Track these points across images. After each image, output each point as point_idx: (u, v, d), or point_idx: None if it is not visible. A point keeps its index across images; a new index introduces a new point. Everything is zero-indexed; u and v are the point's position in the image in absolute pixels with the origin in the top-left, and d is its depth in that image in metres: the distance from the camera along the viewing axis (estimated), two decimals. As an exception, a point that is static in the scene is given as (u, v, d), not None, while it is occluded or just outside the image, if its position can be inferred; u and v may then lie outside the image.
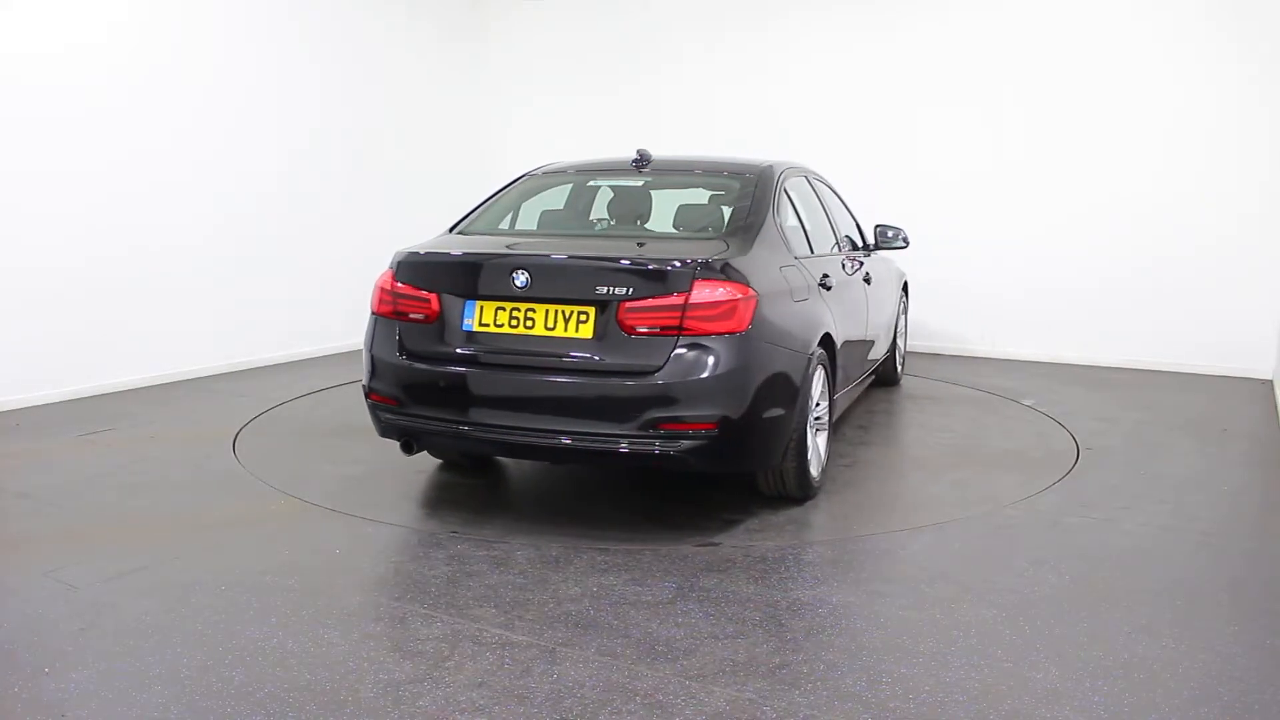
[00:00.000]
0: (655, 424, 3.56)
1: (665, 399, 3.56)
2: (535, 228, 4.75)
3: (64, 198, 6.09)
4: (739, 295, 3.66)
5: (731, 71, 8.60)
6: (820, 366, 4.24)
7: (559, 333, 3.72)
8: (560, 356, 3.71)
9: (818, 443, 4.30)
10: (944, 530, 3.95)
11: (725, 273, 3.69)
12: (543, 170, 5.10)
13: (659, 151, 5.16)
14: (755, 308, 3.70)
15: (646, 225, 4.75)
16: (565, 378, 3.68)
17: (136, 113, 6.47)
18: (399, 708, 2.53)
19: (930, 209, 7.76)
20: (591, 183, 4.93)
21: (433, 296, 3.93)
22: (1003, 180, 7.71)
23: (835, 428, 5.43)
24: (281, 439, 5.32)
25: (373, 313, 4.15)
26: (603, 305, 3.67)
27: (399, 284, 4.04)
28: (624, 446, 3.61)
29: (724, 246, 3.93)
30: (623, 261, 3.74)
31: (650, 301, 3.61)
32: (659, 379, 3.56)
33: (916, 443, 5.37)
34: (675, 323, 3.58)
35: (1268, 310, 6.90)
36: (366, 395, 4.13)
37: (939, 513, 4.16)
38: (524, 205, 4.83)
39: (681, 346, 3.59)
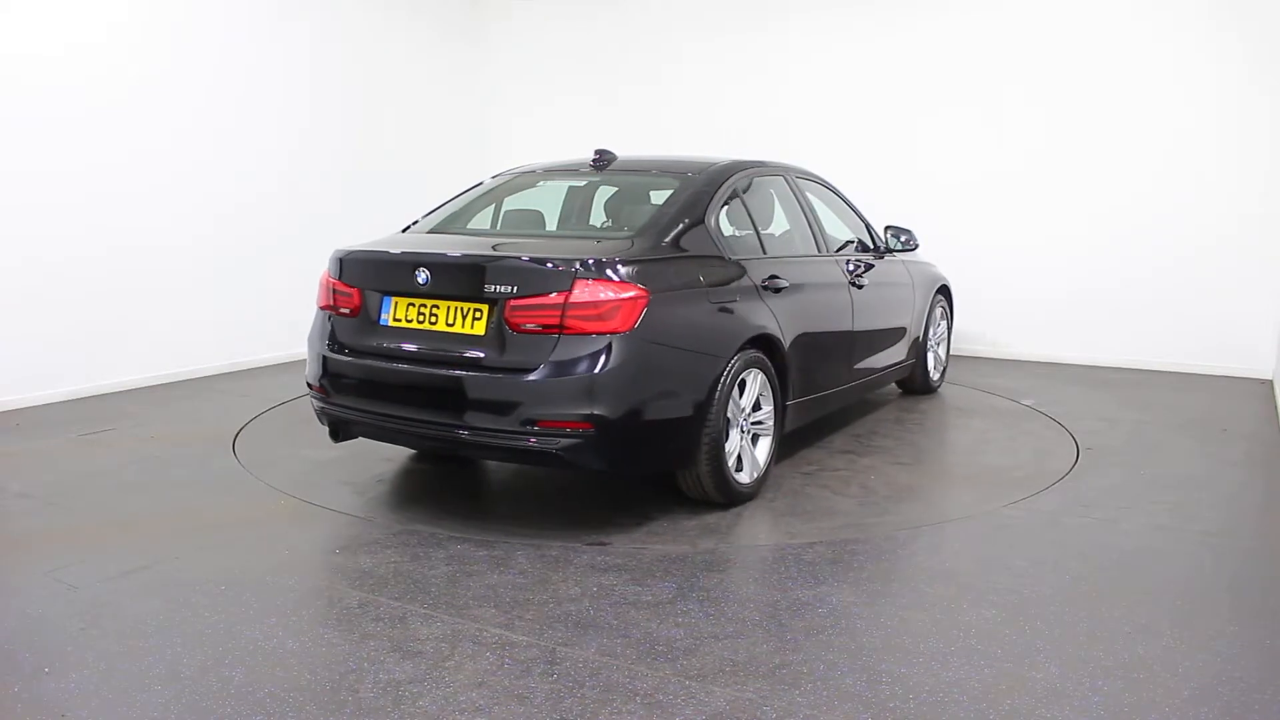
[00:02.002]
0: (534, 421, 3.62)
1: (542, 397, 3.61)
2: (487, 227, 4.77)
3: (64, 197, 6.09)
4: (623, 295, 3.64)
5: (732, 72, 8.60)
6: (756, 370, 4.18)
7: (458, 329, 3.83)
8: (456, 352, 3.81)
9: (754, 448, 4.25)
10: (944, 530, 3.95)
11: (609, 273, 3.68)
12: (509, 171, 5.20)
13: (658, 152, 5.17)
14: (645, 308, 3.67)
15: (592, 224, 4.83)
16: (459, 372, 3.76)
17: (136, 112, 6.47)
18: (399, 708, 2.53)
19: (930, 210, 7.76)
20: (543, 183, 5.02)
21: (355, 291, 4.12)
22: (1003, 181, 7.71)
23: (820, 433, 5.41)
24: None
25: (318, 307, 4.33)
26: (493, 303, 3.75)
27: (332, 279, 4.23)
28: (509, 442, 3.69)
29: (627, 246, 3.94)
30: (508, 261, 3.81)
31: (533, 300, 3.66)
32: (536, 377, 3.61)
33: (903, 448, 5.32)
34: (556, 321, 3.62)
35: (1268, 310, 6.90)
36: (307, 385, 4.32)
37: (906, 518, 4.15)
38: (483, 205, 4.87)
39: (561, 345, 3.62)
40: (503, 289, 3.72)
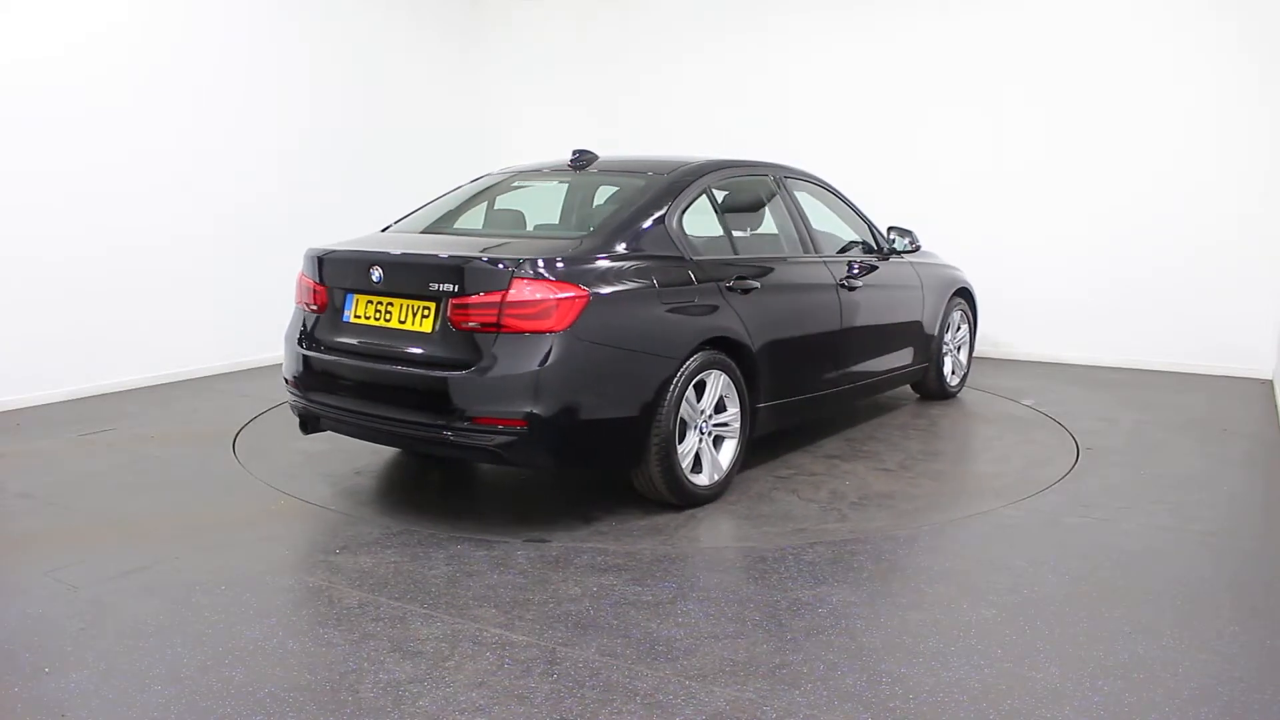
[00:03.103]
0: (471, 417, 3.68)
1: (479, 394, 3.67)
2: (459, 227, 4.76)
3: (64, 197, 6.09)
4: (559, 294, 3.67)
5: (733, 72, 8.59)
6: (718, 372, 4.15)
7: (409, 326, 3.91)
8: (406, 349, 3.90)
9: (716, 450, 4.22)
10: (944, 530, 3.95)
11: (546, 272, 3.71)
12: (502, 171, 5.22)
13: (652, 152, 5.15)
14: (583, 308, 3.69)
15: (556, 224, 4.84)
16: (408, 369, 3.86)
17: (136, 112, 6.47)
18: (399, 708, 2.53)
19: (930, 210, 7.74)
20: (518, 184, 5.04)
21: (322, 289, 4.25)
22: (1003, 181, 7.70)
23: (813, 436, 5.33)
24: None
25: (295, 304, 4.51)
26: (438, 301, 3.82)
27: (305, 277, 4.37)
28: (450, 437, 3.75)
29: (576, 244, 3.97)
30: (450, 260, 3.87)
31: (472, 299, 3.72)
32: (473, 374, 3.67)
33: (893, 453, 5.19)
34: (494, 320, 3.68)
35: (1268, 311, 6.89)
36: (283, 379, 4.44)
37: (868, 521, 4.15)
38: (460, 206, 4.89)
39: (498, 344, 3.67)
40: (445, 287, 3.79)
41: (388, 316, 3.98)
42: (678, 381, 3.95)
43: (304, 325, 4.33)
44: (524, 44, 9.52)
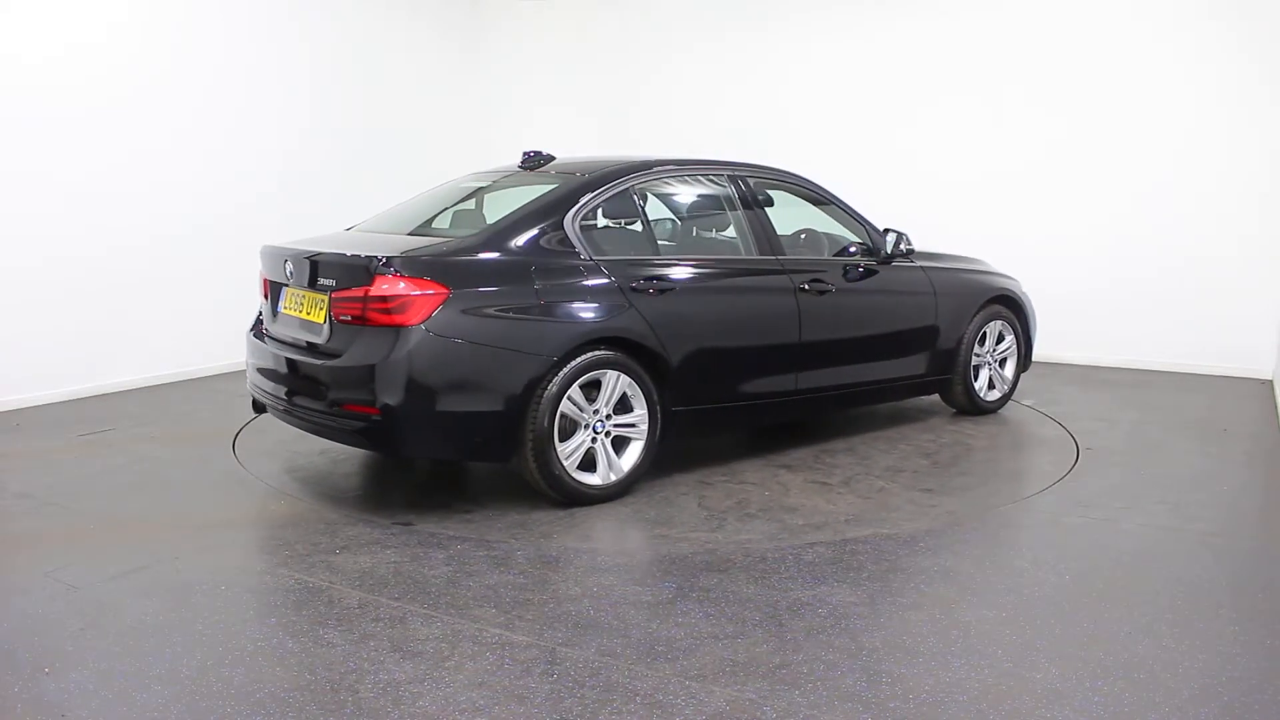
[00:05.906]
0: (340, 404, 3.95)
1: (344, 382, 3.92)
2: (413, 227, 4.76)
3: (64, 197, 6.09)
4: (415, 291, 3.82)
5: (733, 71, 8.59)
6: (617, 372, 4.12)
7: (310, 317, 4.18)
8: (306, 339, 4.19)
9: (615, 451, 4.19)
10: (944, 530, 3.94)
11: (405, 268, 3.87)
12: (489, 173, 5.26)
13: (656, 152, 5.12)
14: (441, 304, 3.82)
15: (482, 225, 4.80)
16: (305, 357, 4.14)
17: (136, 112, 6.47)
18: (399, 708, 2.53)
19: (931, 210, 7.74)
20: (464, 185, 5.12)
21: (265, 282, 4.60)
22: (1004, 182, 7.70)
23: (790, 443, 5.17)
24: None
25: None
26: (327, 295, 4.07)
27: (260, 272, 4.68)
28: (327, 422, 4.06)
29: (455, 244, 4.14)
30: (329, 256, 4.15)
31: (345, 293, 3.96)
32: (340, 363, 3.93)
33: (853, 466, 4.90)
34: (359, 313, 3.89)
35: (1268, 311, 6.89)
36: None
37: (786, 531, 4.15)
38: (431, 206, 4.92)
39: (363, 335, 3.89)
40: (328, 282, 4.05)
41: (299, 308, 4.26)
42: (557, 379, 3.97)
43: (257, 316, 4.70)
44: (524, 44, 9.52)
